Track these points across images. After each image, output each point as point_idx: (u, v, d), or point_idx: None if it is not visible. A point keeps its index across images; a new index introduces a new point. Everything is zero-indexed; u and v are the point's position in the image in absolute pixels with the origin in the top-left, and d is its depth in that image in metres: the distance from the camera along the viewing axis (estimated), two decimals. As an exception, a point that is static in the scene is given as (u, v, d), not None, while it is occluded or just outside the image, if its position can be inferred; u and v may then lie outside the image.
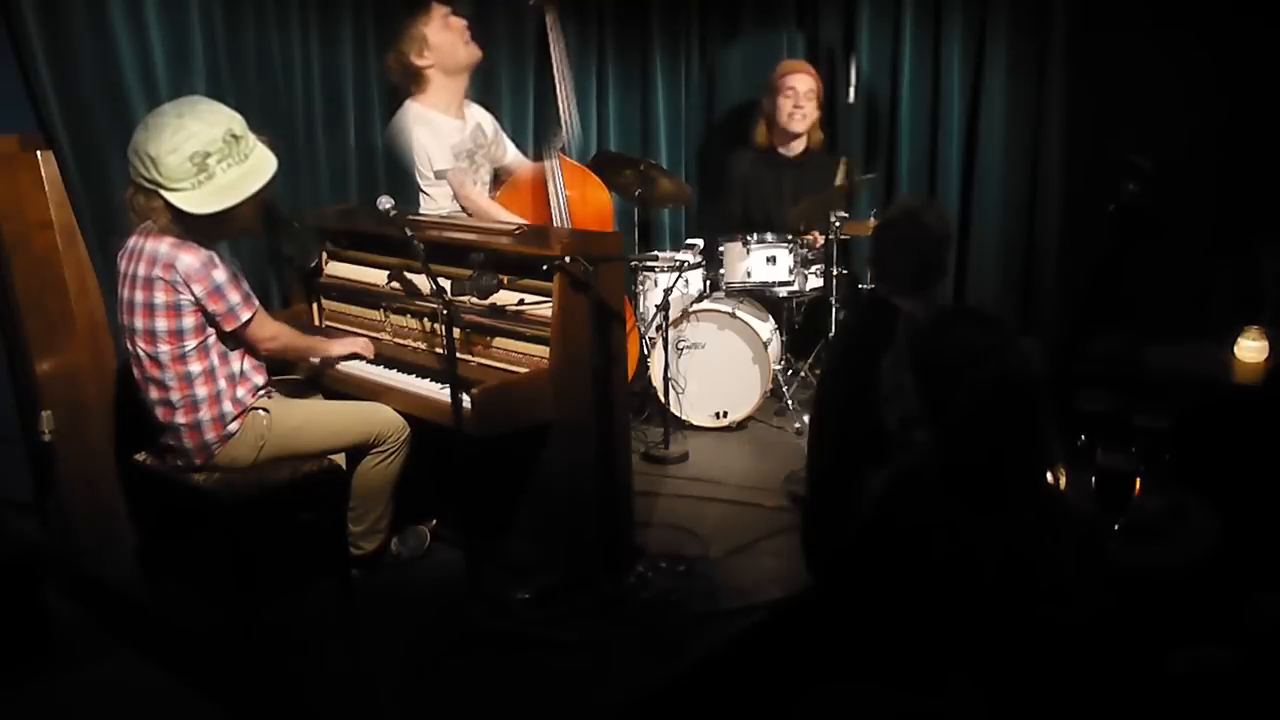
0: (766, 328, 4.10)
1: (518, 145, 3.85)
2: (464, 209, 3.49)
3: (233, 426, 2.60)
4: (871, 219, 4.01)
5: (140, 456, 2.75)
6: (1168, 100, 3.66)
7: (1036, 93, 4.12)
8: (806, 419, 3.74)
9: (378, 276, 3.01)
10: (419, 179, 3.41)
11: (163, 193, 2.39)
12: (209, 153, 2.39)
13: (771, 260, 4.03)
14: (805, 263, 4.10)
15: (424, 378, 2.80)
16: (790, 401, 4.13)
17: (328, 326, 3.24)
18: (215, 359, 2.57)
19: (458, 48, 3.40)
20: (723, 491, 3.48)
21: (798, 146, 4.38)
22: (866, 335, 2.58)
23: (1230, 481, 2.54)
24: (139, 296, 2.49)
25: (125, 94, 2.95)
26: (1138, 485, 2.26)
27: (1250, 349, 3.12)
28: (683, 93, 5.04)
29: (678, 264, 4.08)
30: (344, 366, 2.92)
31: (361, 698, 2.39)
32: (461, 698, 2.38)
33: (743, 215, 4.44)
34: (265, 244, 3.32)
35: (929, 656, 1.78)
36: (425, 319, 2.94)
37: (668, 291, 3.92)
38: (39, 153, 2.90)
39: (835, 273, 3.93)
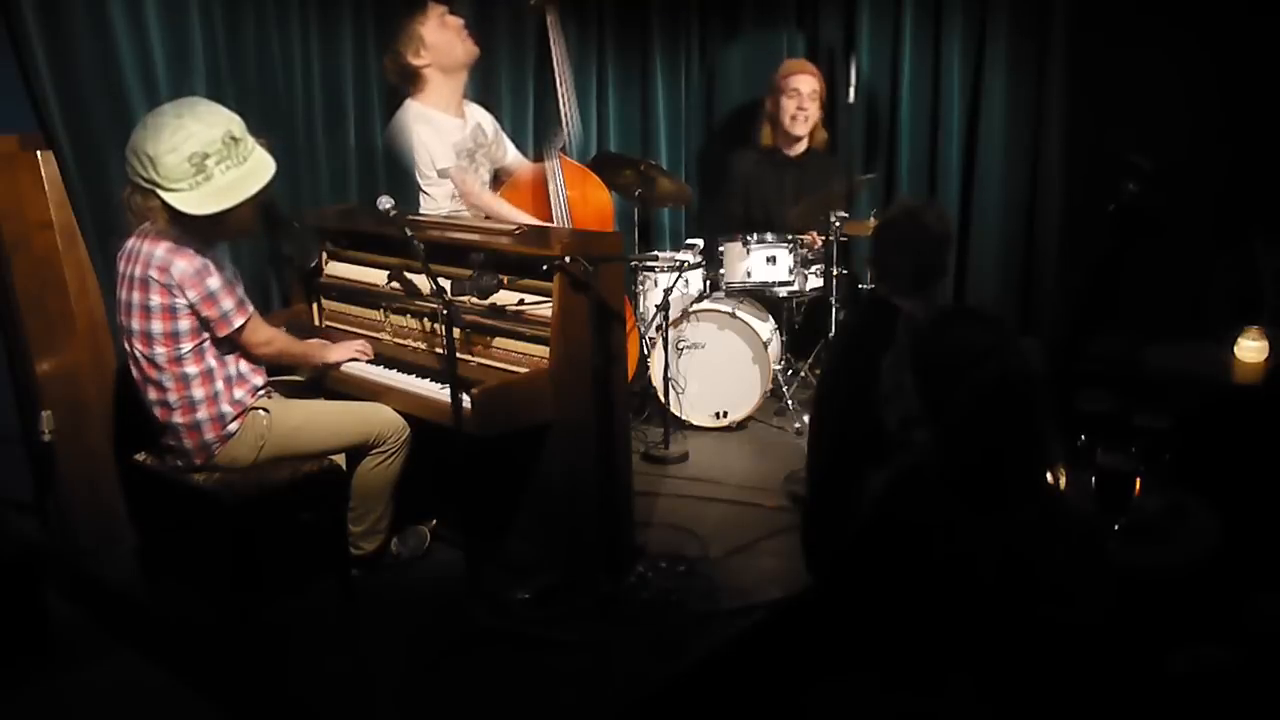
0: (766, 328, 4.10)
1: (518, 145, 3.85)
2: (470, 207, 3.48)
3: (232, 426, 2.60)
4: (871, 219, 4.00)
5: (140, 456, 2.75)
6: (1167, 100, 3.66)
7: (1036, 93, 4.12)
8: (806, 419, 3.74)
9: (378, 276, 3.01)
10: (419, 178, 3.40)
11: (160, 193, 2.39)
12: (207, 154, 2.39)
13: (771, 260, 4.03)
14: (805, 263, 4.10)
15: (424, 378, 2.80)
16: (790, 401, 4.13)
17: (328, 326, 3.24)
18: (212, 361, 2.57)
19: (455, 46, 3.39)
20: (723, 491, 3.48)
21: (800, 146, 4.38)
22: (866, 335, 2.58)
23: (1230, 481, 2.54)
24: (136, 298, 2.50)
25: (125, 94, 2.95)
26: (1138, 485, 2.26)
27: (1250, 349, 3.12)
28: (683, 93, 5.04)
29: (678, 264, 4.08)
30: (345, 366, 2.92)
31: (361, 698, 2.39)
32: (461, 698, 2.38)
33: (744, 215, 4.44)
34: (265, 244, 3.32)
35: (929, 656, 1.78)
36: (425, 319, 2.94)
37: (668, 291, 3.92)
38: (39, 153, 2.90)
39: (835, 273, 3.93)
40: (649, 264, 4.16)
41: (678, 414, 3.99)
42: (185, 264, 2.46)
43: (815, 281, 4.13)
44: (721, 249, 4.15)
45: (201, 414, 2.56)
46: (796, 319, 4.35)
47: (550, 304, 2.64)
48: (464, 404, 2.50)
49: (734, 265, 4.07)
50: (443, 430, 2.57)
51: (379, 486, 2.81)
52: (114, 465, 3.02)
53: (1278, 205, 3.46)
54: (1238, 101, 3.57)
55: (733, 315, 3.96)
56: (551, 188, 3.72)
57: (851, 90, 4.45)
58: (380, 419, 2.76)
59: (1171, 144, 3.54)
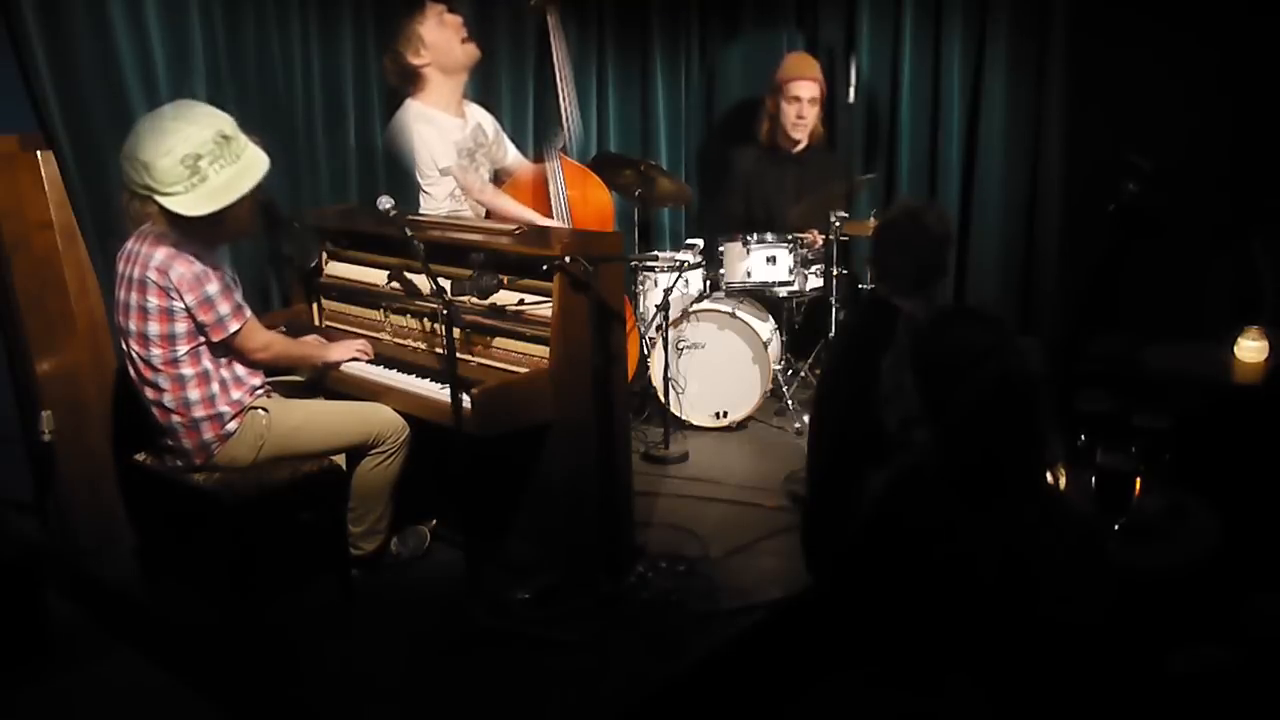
0: (766, 328, 4.10)
1: (518, 145, 3.85)
2: (473, 203, 3.48)
3: (231, 426, 2.60)
4: (871, 219, 4.01)
5: (140, 456, 2.75)
6: (1167, 100, 3.66)
7: (1036, 93, 4.12)
8: (806, 419, 3.74)
9: (378, 276, 3.01)
10: (420, 177, 3.40)
11: (157, 197, 2.39)
12: (200, 155, 2.39)
13: (771, 260, 4.03)
14: (805, 263, 4.10)
15: (424, 378, 2.80)
16: (790, 401, 4.13)
17: (328, 326, 3.24)
18: (208, 363, 2.58)
19: (454, 45, 3.39)
20: (723, 491, 3.48)
21: (800, 145, 4.38)
22: (866, 335, 2.58)
23: (1230, 481, 2.54)
24: (134, 299, 2.50)
25: (125, 94, 2.95)
26: (1138, 485, 2.26)
27: (1250, 349, 3.12)
28: (683, 93, 5.04)
29: (678, 264, 4.08)
30: (344, 366, 2.92)
31: (361, 698, 2.39)
32: (461, 698, 2.38)
33: (745, 212, 4.44)
34: (265, 244, 3.32)
35: (929, 656, 1.78)
36: (425, 319, 2.94)
37: (668, 291, 3.92)
38: (39, 153, 2.90)
39: (835, 273, 3.94)
40: (649, 264, 4.16)
41: (678, 414, 3.99)
42: (184, 268, 2.46)
43: (815, 281, 4.13)
44: (721, 249, 4.15)
45: (199, 414, 2.56)
46: (796, 319, 4.34)
47: (550, 304, 2.64)
48: (464, 404, 2.50)
49: (734, 265, 4.07)
50: (443, 430, 2.57)
51: (379, 486, 2.81)
52: (114, 465, 3.02)
53: (1276, 205, 3.46)
54: (1237, 101, 3.57)
55: (733, 315, 3.96)
56: (552, 188, 3.72)
57: (851, 90, 4.47)
58: (380, 419, 2.76)
59: (1171, 144, 3.54)
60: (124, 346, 2.59)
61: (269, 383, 2.77)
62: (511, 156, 3.76)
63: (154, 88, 3.00)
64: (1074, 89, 3.99)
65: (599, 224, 3.82)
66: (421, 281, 2.68)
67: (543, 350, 2.68)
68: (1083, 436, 2.50)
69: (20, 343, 2.98)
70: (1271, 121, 3.50)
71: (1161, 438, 2.45)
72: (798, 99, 4.24)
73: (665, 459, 3.76)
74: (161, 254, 2.46)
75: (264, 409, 2.66)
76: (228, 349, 2.61)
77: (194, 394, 2.55)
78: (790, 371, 4.29)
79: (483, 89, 3.86)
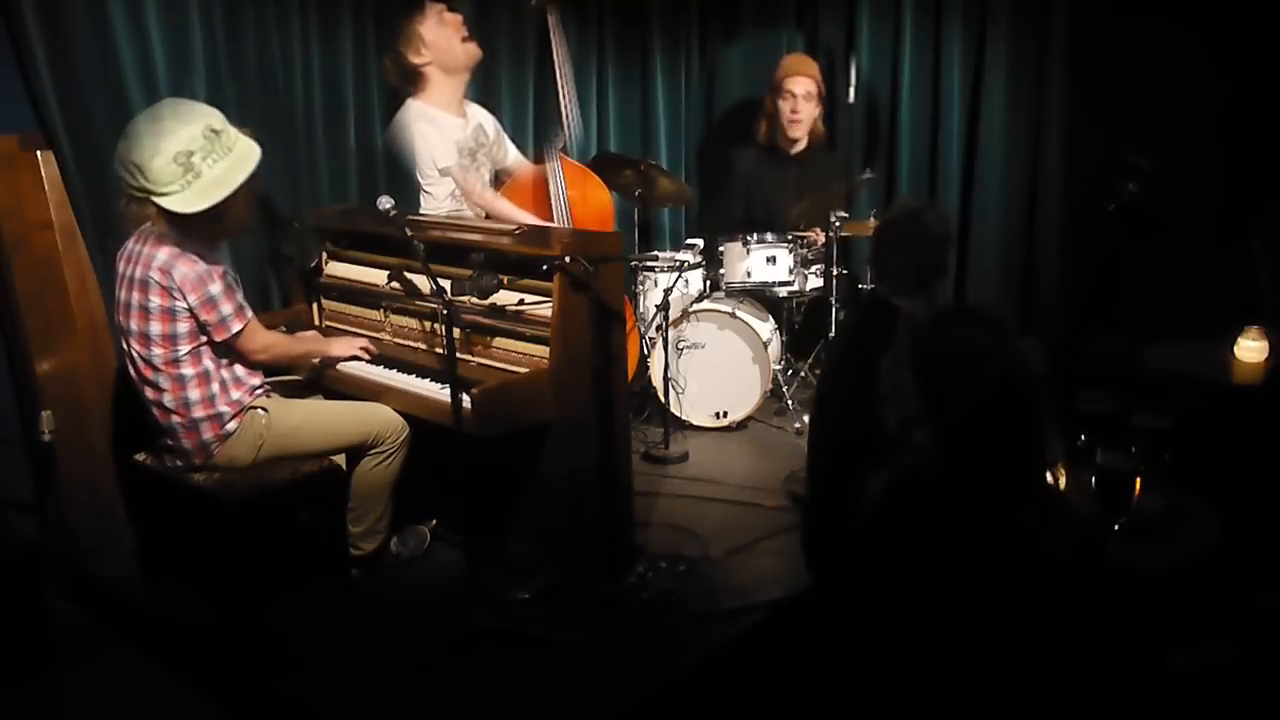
0: (766, 328, 4.10)
1: (518, 145, 3.85)
2: (471, 205, 3.48)
3: (231, 426, 2.60)
4: (871, 219, 4.01)
5: (140, 456, 2.75)
6: (1167, 101, 3.66)
7: (1036, 93, 4.12)
8: (806, 419, 3.74)
9: (378, 276, 3.01)
10: (420, 177, 3.40)
11: (154, 198, 2.39)
12: (192, 151, 2.39)
13: (771, 260, 4.03)
14: (805, 263, 4.10)
15: (424, 378, 2.80)
16: (790, 401, 4.13)
17: (328, 326, 3.24)
18: (209, 363, 2.58)
19: (454, 44, 3.39)
20: (723, 491, 3.48)
21: (800, 144, 4.38)
22: (866, 335, 2.58)
23: (1230, 481, 2.54)
24: (135, 299, 2.50)
25: (125, 94, 2.95)
26: (1138, 485, 2.26)
27: (1250, 349, 3.12)
28: (683, 93, 5.04)
29: (678, 264, 4.08)
30: (344, 366, 2.92)
31: (361, 698, 2.39)
32: (461, 698, 2.38)
33: (746, 213, 4.44)
34: (265, 244, 3.32)
35: (929, 656, 1.78)
36: (425, 319, 2.94)
37: (668, 291, 3.92)
38: (39, 153, 2.90)
39: (835, 273, 3.93)
40: (649, 264, 4.16)
41: (678, 414, 3.99)
42: (187, 268, 2.46)
43: (815, 281, 4.13)
44: (721, 249, 4.14)
45: (199, 414, 2.56)
46: (796, 319, 4.34)
47: (550, 304, 2.64)
48: (464, 404, 2.50)
49: (734, 265, 4.07)
50: (443, 430, 2.57)
51: (378, 486, 2.81)
52: (114, 465, 3.02)
53: (1275, 205, 3.46)
54: (1237, 101, 3.57)
55: (733, 315, 3.96)
56: (552, 188, 3.72)
57: (851, 90, 4.47)
58: (380, 419, 2.76)
59: (1171, 144, 3.54)
60: (124, 346, 2.59)
61: (268, 382, 2.77)
62: (512, 157, 3.76)
63: (154, 88, 3.00)
64: (1074, 89, 3.99)
65: (599, 224, 3.82)
66: (421, 281, 2.68)
67: (543, 350, 2.68)
68: (1083, 436, 2.50)
69: (20, 343, 2.98)
70: (1271, 121, 3.49)
71: (1161, 438, 2.45)
72: (792, 94, 4.24)
73: (665, 459, 3.76)
74: (164, 254, 2.46)
75: (263, 409, 2.66)
76: (229, 349, 2.61)
77: (194, 394, 2.55)
78: (790, 371, 4.29)
79: (483, 89, 3.86)
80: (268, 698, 2.48)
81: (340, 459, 2.78)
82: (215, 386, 2.59)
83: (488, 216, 3.53)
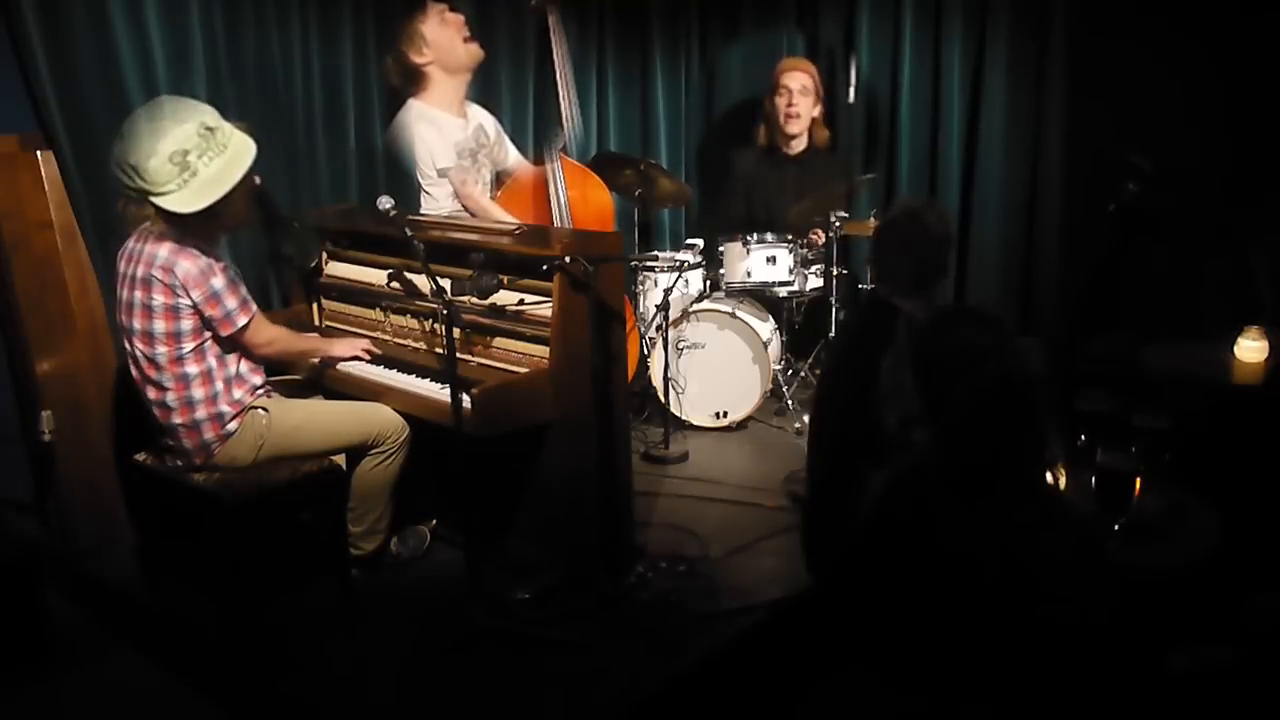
0: (766, 328, 4.10)
1: (518, 145, 3.85)
2: (464, 208, 3.49)
3: (231, 426, 2.60)
4: (871, 219, 4.01)
5: (140, 456, 2.75)
6: (1167, 101, 3.66)
7: (1036, 93, 4.12)
8: (806, 419, 3.74)
9: (378, 276, 3.01)
10: (420, 178, 3.41)
11: (151, 198, 2.39)
12: (187, 150, 2.39)
13: (771, 260, 4.03)
14: (805, 263, 4.10)
15: (424, 378, 2.80)
16: (790, 401, 4.13)
17: (328, 326, 3.24)
18: (213, 361, 2.58)
19: (456, 44, 3.39)
20: (723, 491, 3.48)
21: (799, 145, 4.38)
22: (866, 335, 2.58)
23: (1230, 481, 2.53)
24: (137, 298, 2.50)
25: (125, 94, 2.95)
26: (1138, 485, 2.26)
27: (1250, 349, 3.12)
28: (683, 93, 5.04)
29: (678, 264, 4.08)
30: (344, 366, 2.92)
31: (361, 698, 2.39)
32: (461, 698, 2.38)
33: (746, 214, 4.44)
34: (265, 244, 3.32)
35: (929, 656, 1.78)
36: (425, 319, 2.94)
37: (668, 291, 3.92)
38: (39, 153, 2.90)
39: (835, 273, 3.93)
40: (649, 264, 4.16)
41: (678, 414, 3.99)
42: (189, 264, 2.46)
43: (815, 281, 4.13)
44: (721, 249, 4.14)
45: (201, 414, 2.56)
46: (796, 319, 4.34)
47: (550, 304, 2.64)
48: (464, 404, 2.50)
49: (734, 265, 4.07)
50: (443, 430, 2.57)
51: (379, 486, 2.81)
52: (114, 465, 3.02)
53: (1274, 205, 3.46)
54: (1237, 101, 3.56)
55: (733, 315, 3.96)
56: (552, 188, 3.72)
57: (851, 90, 4.46)
58: (380, 419, 2.76)
59: (1171, 144, 3.55)
60: (127, 346, 2.59)
61: (269, 382, 2.77)
62: (513, 158, 3.76)
63: (154, 88, 3.00)
64: (1074, 89, 3.98)
65: (599, 224, 3.82)
66: (421, 281, 2.68)
67: (543, 350, 2.68)
68: (1083, 436, 2.50)
69: (20, 343, 2.98)
70: (1271, 121, 3.49)
71: (1161, 438, 2.45)
72: (788, 89, 4.24)
73: (665, 459, 3.76)
74: (165, 251, 2.47)
75: (264, 409, 2.66)
76: (234, 344, 2.61)
77: (198, 393, 2.55)
78: (790, 371, 4.29)
79: (483, 89, 3.86)
80: (268, 698, 2.48)
81: (340, 459, 2.78)
82: (219, 385, 2.59)
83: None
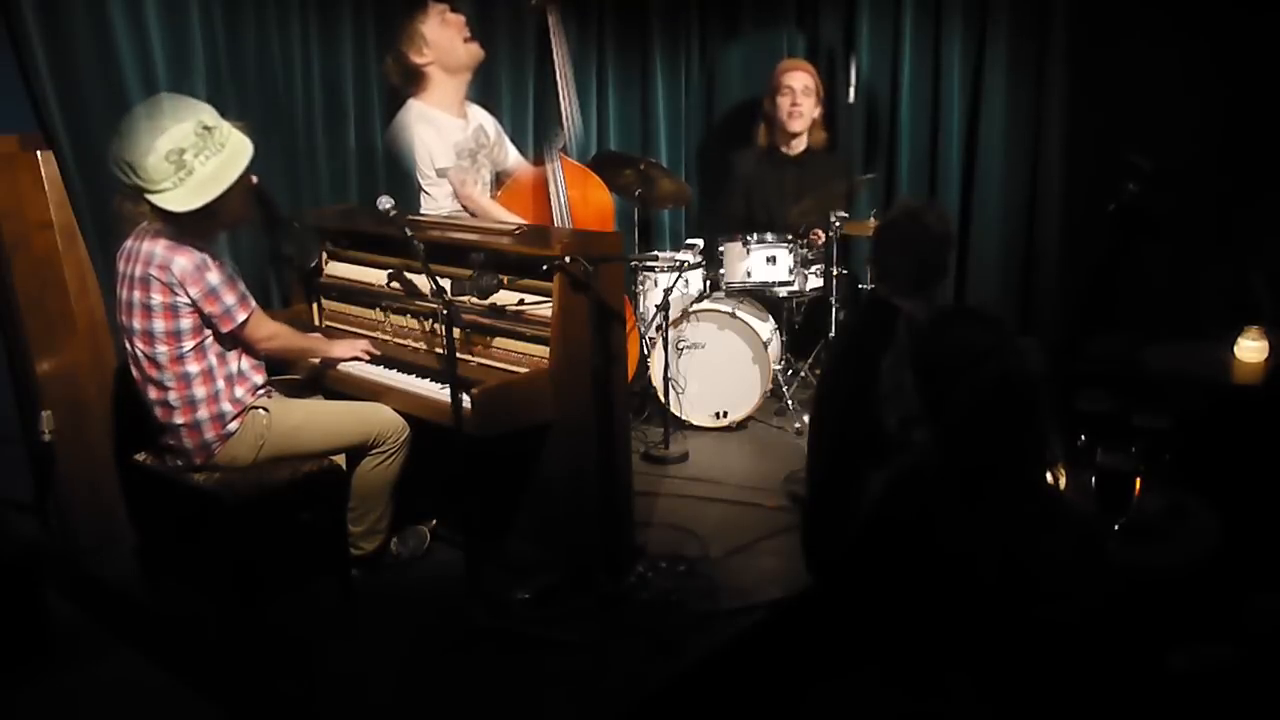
0: (766, 328, 4.10)
1: (518, 145, 3.85)
2: (464, 208, 3.49)
3: (232, 425, 2.60)
4: (871, 219, 4.01)
5: (140, 456, 2.75)
6: (1167, 101, 3.66)
7: (1036, 93, 4.12)
8: (806, 419, 3.74)
9: (378, 276, 3.01)
10: (420, 178, 3.41)
11: (147, 196, 2.39)
12: (184, 148, 2.39)
13: (771, 260, 4.03)
14: (805, 263, 4.10)
15: (424, 378, 2.80)
16: (790, 401, 4.13)
17: (328, 326, 3.24)
18: (213, 359, 2.58)
19: (456, 44, 3.39)
20: (723, 491, 3.48)
21: (799, 145, 4.38)
22: (866, 335, 2.58)
23: (1230, 481, 2.53)
24: (136, 297, 2.50)
25: (125, 94, 2.95)
26: (1138, 485, 2.26)
27: (1250, 349, 3.12)
28: (683, 93, 5.04)
29: (678, 264, 4.08)
30: (344, 366, 2.92)
31: (361, 698, 2.39)
32: (461, 698, 2.38)
33: (745, 215, 4.44)
34: (265, 244, 3.32)
35: (929, 656, 1.78)
36: (425, 319, 2.94)
37: (668, 291, 3.92)
38: (39, 153, 2.90)
39: (835, 273, 3.93)
40: (649, 264, 4.16)
41: (678, 414, 3.99)
42: (185, 261, 2.46)
43: (815, 281, 4.13)
44: (721, 249, 4.15)
45: (202, 413, 2.56)
46: (796, 319, 4.34)
47: (550, 304, 2.64)
48: (464, 404, 2.50)
49: (734, 265, 4.07)
50: (443, 430, 2.57)
51: (379, 486, 2.81)
52: (114, 465, 3.02)
53: (1274, 205, 3.46)
54: (1237, 101, 3.56)
55: (733, 315, 3.96)
56: (552, 188, 3.72)
57: (851, 90, 4.47)
58: (380, 419, 2.76)
59: (1171, 144, 3.54)
60: (127, 345, 2.59)
61: (270, 382, 2.77)
62: (512, 159, 3.76)
63: (154, 88, 3.00)
64: (1074, 89, 3.99)
65: (599, 224, 3.82)
66: (421, 281, 2.68)
67: (543, 350, 2.68)
68: (1083, 436, 2.50)
69: (20, 343, 2.98)
70: (1271, 120, 3.49)
71: (1161, 438, 2.45)
72: (790, 88, 4.24)
73: (665, 459, 3.76)
74: (161, 250, 2.46)
75: (264, 409, 2.66)
76: (235, 340, 2.61)
77: (199, 391, 2.55)
78: (790, 371, 4.29)
79: (483, 89, 3.86)
80: (268, 698, 2.48)
81: (340, 459, 2.78)
82: (220, 383, 2.59)
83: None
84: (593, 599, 2.71)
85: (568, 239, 2.92)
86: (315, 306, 3.29)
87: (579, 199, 3.77)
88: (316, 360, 2.91)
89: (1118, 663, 1.73)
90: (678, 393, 3.98)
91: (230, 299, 2.53)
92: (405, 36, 3.36)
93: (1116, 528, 2.23)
